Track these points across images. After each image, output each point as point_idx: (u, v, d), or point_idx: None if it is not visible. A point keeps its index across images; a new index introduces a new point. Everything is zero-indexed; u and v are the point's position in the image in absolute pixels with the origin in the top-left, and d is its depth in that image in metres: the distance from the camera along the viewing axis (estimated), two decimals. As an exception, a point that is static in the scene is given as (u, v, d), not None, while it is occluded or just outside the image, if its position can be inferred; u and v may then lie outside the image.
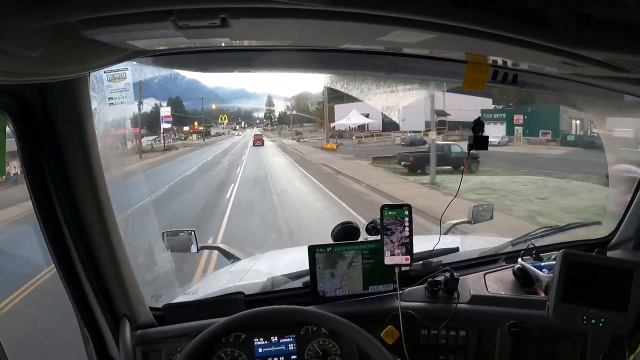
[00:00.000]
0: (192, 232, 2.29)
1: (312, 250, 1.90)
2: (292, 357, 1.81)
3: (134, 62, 1.56)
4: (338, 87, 1.92)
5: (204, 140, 39.82)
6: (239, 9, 0.95)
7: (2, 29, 0.86)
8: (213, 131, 46.04)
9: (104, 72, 1.61)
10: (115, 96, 1.64)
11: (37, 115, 1.40)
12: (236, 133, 46.97)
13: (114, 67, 1.53)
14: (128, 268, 1.72)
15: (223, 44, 1.44)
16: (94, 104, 1.49)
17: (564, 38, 1.04)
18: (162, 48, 1.37)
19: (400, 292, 1.87)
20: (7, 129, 1.34)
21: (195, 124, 42.14)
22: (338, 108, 37.50)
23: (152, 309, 1.86)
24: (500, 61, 1.65)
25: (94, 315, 1.69)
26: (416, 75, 1.92)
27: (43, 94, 1.39)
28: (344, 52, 1.64)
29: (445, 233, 2.63)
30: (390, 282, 1.92)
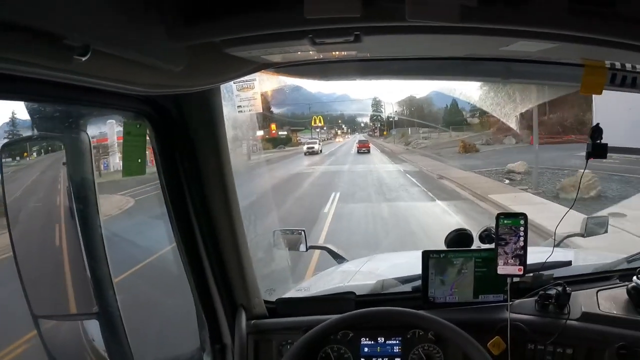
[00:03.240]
0: (302, 232, 2.38)
1: (426, 255, 1.90)
2: (396, 359, 1.82)
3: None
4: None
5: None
6: (373, 27, 1.00)
7: (151, 47, 0.98)
8: (303, 138, 34.71)
9: (234, 82, 1.75)
10: (244, 104, 1.77)
11: (173, 122, 1.55)
12: (306, 147, 28.70)
13: (244, 78, 1.65)
14: (249, 262, 1.85)
15: (345, 54, 1.49)
16: (224, 112, 1.63)
17: None
18: (289, 60, 1.46)
19: (510, 303, 1.81)
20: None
21: (272, 127, 27.96)
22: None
23: (265, 301, 1.97)
24: (618, 64, 1.57)
25: (212, 302, 1.84)
26: (532, 80, 1.87)
27: (180, 102, 1.54)
28: (461, 59, 1.64)
29: (556, 245, 2.52)
30: (501, 292, 1.88)
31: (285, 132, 33.38)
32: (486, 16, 0.93)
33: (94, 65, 0.91)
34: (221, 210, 1.72)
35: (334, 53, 1.44)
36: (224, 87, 1.63)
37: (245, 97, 1.75)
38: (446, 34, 1.04)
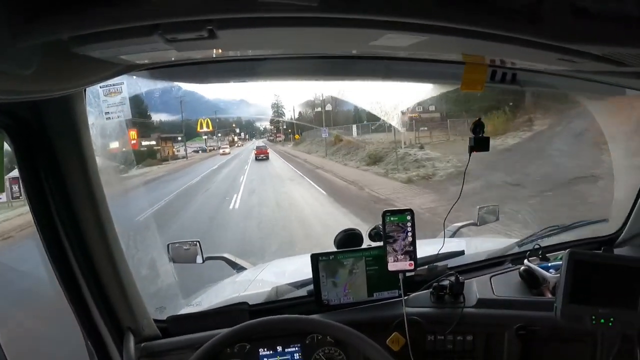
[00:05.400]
0: (197, 243, 2.30)
1: (315, 258, 1.88)
2: None
3: (133, 77, 1.55)
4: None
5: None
6: (225, 20, 0.93)
7: None
8: (192, 146, 27.89)
9: (100, 87, 1.61)
10: (111, 110, 1.64)
11: (33, 132, 1.40)
12: None
13: (110, 82, 1.52)
14: (130, 281, 1.71)
15: (214, 55, 1.43)
16: (90, 119, 1.49)
17: (559, 34, 1.01)
18: (157, 62, 1.36)
19: (406, 298, 1.84)
20: (5, 146, 1.34)
21: (132, 135, 17.52)
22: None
23: (156, 321, 1.85)
24: (498, 61, 1.63)
25: (97, 329, 1.68)
26: (413, 79, 1.90)
27: (38, 110, 1.39)
28: (339, 58, 1.63)
29: (451, 236, 2.61)
30: (395, 288, 1.90)
31: (154, 142, 24.12)
32: (347, 4, 0.89)
33: None
34: (93, 227, 1.56)
35: (208, 53, 1.37)
36: (89, 92, 1.49)
37: (112, 103, 1.62)
38: (306, 26, 0.99)
